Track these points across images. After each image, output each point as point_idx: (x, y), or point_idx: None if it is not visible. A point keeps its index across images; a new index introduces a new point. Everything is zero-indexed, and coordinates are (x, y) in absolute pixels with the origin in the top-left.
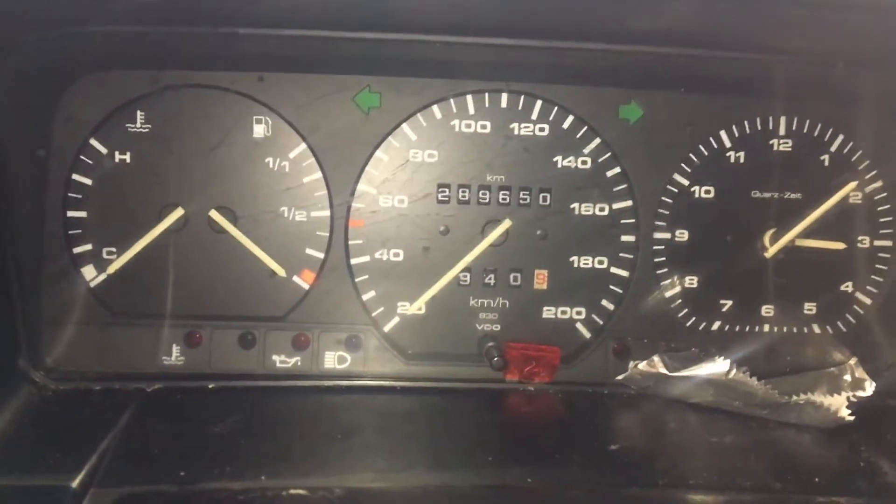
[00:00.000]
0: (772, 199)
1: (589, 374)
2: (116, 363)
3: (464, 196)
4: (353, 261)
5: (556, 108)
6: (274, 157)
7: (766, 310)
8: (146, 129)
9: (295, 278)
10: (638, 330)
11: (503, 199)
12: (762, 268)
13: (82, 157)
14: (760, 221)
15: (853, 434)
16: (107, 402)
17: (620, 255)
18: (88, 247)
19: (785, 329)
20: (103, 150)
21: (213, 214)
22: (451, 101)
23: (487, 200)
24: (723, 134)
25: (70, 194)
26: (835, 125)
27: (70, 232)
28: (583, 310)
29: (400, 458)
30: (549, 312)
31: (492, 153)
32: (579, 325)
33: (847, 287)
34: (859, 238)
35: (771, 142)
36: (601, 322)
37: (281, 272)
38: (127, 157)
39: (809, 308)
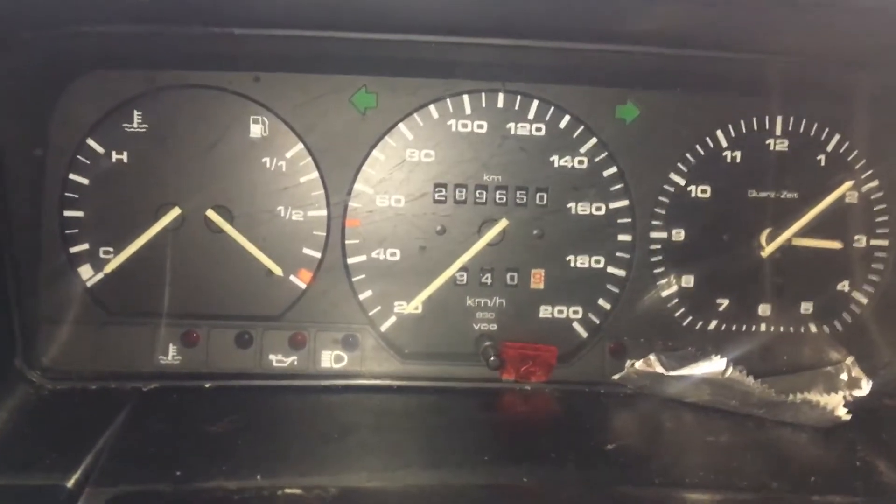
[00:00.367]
0: (768, 198)
1: (585, 374)
2: (113, 363)
3: (460, 196)
4: (350, 260)
5: (552, 108)
6: (271, 156)
7: (763, 309)
8: (143, 129)
9: (292, 278)
10: (634, 329)
11: (500, 198)
12: (759, 267)
13: (79, 156)
14: (757, 221)
15: (850, 433)
16: (103, 401)
17: (617, 254)
18: (85, 246)
19: (782, 328)
20: (100, 150)
21: (210, 214)
22: (448, 100)
23: (484, 200)
24: (719, 133)
25: (67, 194)
26: (831, 125)
27: (67, 231)
28: (579, 309)
29: (396, 458)
30: (545, 312)
31: (488, 153)
32: (576, 325)
33: (843, 286)
34: (855, 237)
35: (767, 141)
36: (598, 321)
37: (278, 271)
38: (124, 156)
39: (806, 307)
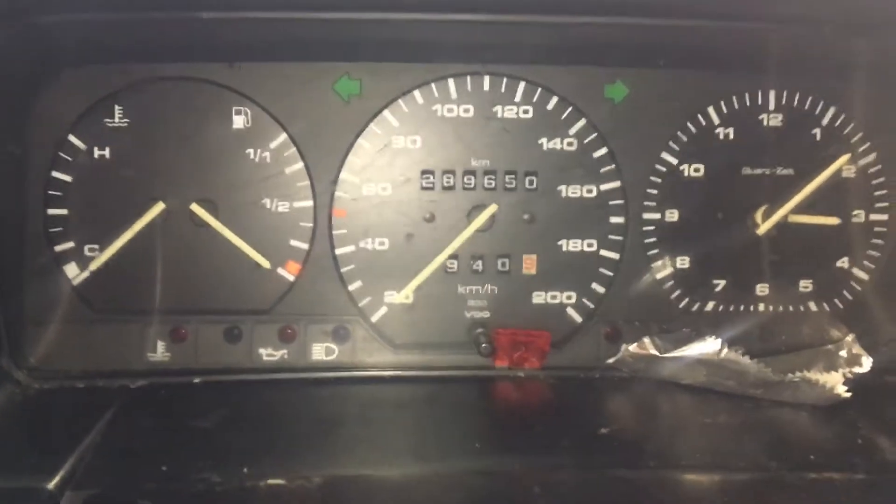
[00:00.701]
0: (763, 175)
1: (580, 359)
2: (101, 361)
3: (448, 182)
4: (338, 251)
5: (539, 90)
6: (255, 147)
7: (761, 288)
8: (125, 124)
9: (280, 270)
10: (630, 313)
11: (489, 183)
12: (755, 246)
13: (61, 153)
14: (752, 198)
15: (850, 411)
16: (91, 400)
17: (610, 237)
18: (70, 244)
19: (780, 308)
20: (82, 147)
21: (195, 208)
22: (433, 85)
23: (472, 185)
24: (711, 110)
25: (50, 192)
26: (826, 97)
27: (51, 230)
28: (573, 294)
29: (387, 448)
30: (538, 297)
31: (475, 137)
32: (570, 310)
33: (843, 263)
34: (854, 212)
35: (761, 116)
36: (592, 306)
37: (265, 264)
38: (106, 152)
39: (805, 285)
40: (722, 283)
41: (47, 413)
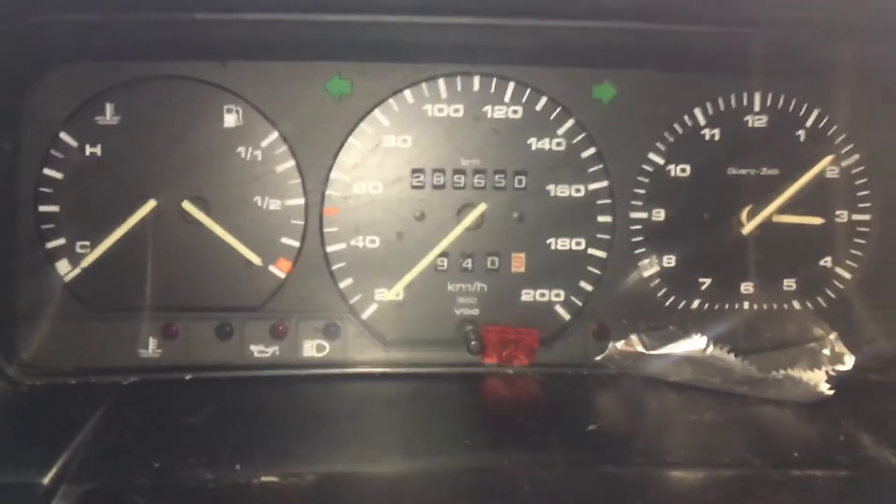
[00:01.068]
0: (748, 175)
1: (569, 356)
2: (92, 357)
3: (438, 180)
4: (329, 248)
5: (528, 90)
6: (246, 146)
7: (746, 287)
8: (116, 122)
9: (271, 267)
10: (617, 311)
11: (478, 182)
12: (740, 245)
13: (52, 151)
14: (737, 198)
15: (833, 409)
16: (83, 396)
17: (598, 235)
18: (62, 241)
19: (765, 306)
20: (73, 144)
21: (186, 205)
22: (423, 85)
23: (462, 184)
24: (697, 111)
25: (41, 189)
26: (810, 99)
27: (43, 227)
28: (561, 292)
29: (377, 444)
30: (527, 295)
31: (465, 137)
32: (558, 308)
33: (826, 262)
34: (837, 212)
35: (746, 118)
36: (580, 304)
37: (257, 261)
38: (98, 150)
39: (789, 284)
40: (707, 281)
41: (39, 409)
